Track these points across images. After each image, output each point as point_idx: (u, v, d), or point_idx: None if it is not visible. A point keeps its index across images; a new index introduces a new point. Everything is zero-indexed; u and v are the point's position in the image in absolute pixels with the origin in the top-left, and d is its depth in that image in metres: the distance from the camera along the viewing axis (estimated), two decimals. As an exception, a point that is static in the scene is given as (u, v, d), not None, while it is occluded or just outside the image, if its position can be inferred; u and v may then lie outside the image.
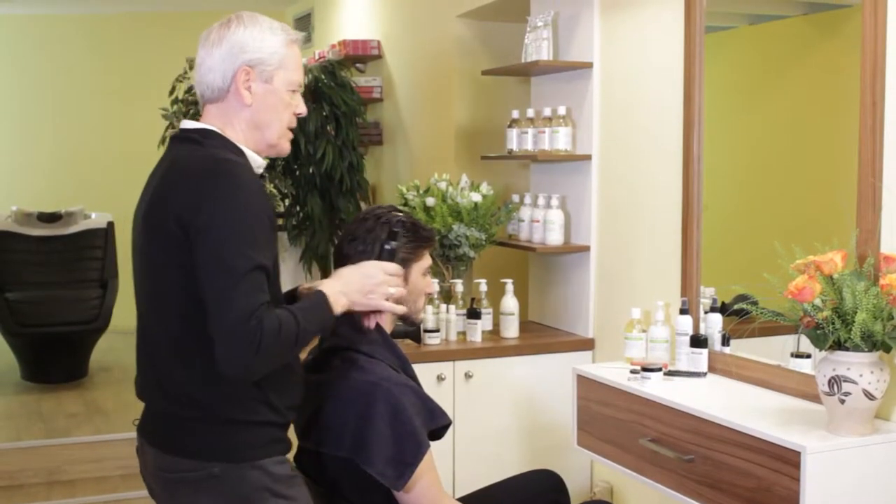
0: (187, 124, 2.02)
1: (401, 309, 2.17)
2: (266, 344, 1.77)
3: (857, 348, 2.19)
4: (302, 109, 2.07)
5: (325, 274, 5.47)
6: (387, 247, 2.18)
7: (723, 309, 2.93)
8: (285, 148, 2.07)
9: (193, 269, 1.82)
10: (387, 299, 2.08)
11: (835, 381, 2.22)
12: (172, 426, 1.94)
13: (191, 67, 5.05)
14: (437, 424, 2.21)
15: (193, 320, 1.84)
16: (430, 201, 3.77)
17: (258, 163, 2.01)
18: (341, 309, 1.99)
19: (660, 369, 2.79)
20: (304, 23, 7.40)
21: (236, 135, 1.99)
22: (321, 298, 1.95)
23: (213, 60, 1.97)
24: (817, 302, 2.21)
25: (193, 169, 1.89)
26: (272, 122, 2.01)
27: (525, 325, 3.86)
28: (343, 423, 2.13)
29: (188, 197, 1.84)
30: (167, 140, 2.10)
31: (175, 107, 5.10)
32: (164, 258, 1.88)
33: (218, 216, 1.81)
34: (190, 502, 1.92)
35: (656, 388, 2.72)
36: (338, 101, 5.25)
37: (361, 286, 2.05)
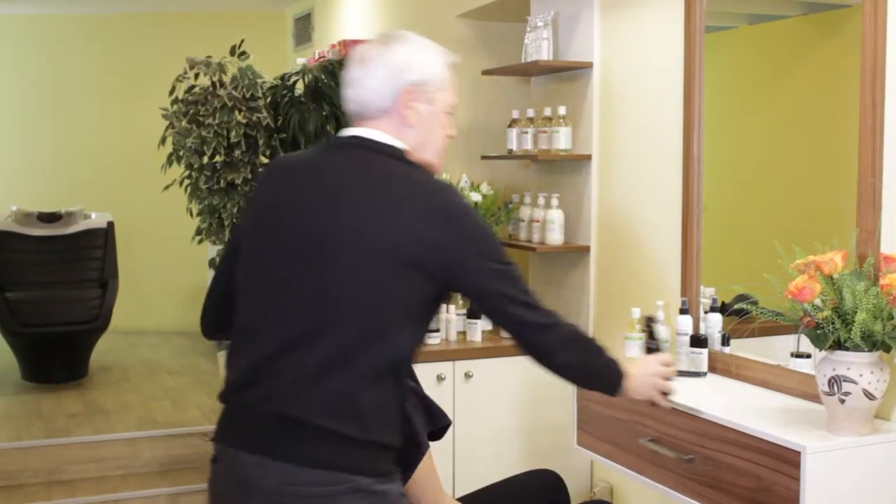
0: (371, 133, 1.98)
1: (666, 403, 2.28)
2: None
3: (857, 348, 2.19)
4: (453, 132, 2.09)
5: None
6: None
7: (723, 309, 2.94)
8: (438, 169, 2.09)
9: (470, 293, 1.96)
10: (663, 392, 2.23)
11: (835, 381, 2.22)
12: (323, 440, 1.85)
13: (191, 67, 5.06)
14: (437, 425, 2.21)
15: (398, 344, 1.88)
16: (430, 201, 3.76)
17: None
18: (624, 393, 2.15)
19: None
20: (304, 22, 7.40)
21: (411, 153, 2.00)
22: (619, 373, 2.13)
23: (374, 79, 1.96)
24: (817, 302, 2.21)
25: (438, 199, 1.92)
26: (431, 143, 2.03)
27: (525, 325, 3.85)
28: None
29: (437, 228, 1.87)
30: (332, 141, 2.05)
31: (175, 107, 5.09)
32: (394, 280, 1.86)
33: (483, 248, 1.92)
34: None
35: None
36: (338, 100, 5.24)
37: (642, 381, 2.18)
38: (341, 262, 1.86)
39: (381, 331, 1.86)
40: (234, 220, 4.99)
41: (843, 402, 2.22)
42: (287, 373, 1.86)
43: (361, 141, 1.97)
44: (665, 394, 2.22)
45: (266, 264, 1.93)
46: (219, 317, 2.09)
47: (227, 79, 5.04)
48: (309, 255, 1.88)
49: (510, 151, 3.83)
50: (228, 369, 1.98)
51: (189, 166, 5.01)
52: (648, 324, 2.86)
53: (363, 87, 1.97)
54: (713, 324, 2.94)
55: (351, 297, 1.85)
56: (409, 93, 1.96)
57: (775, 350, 2.70)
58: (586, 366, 2.10)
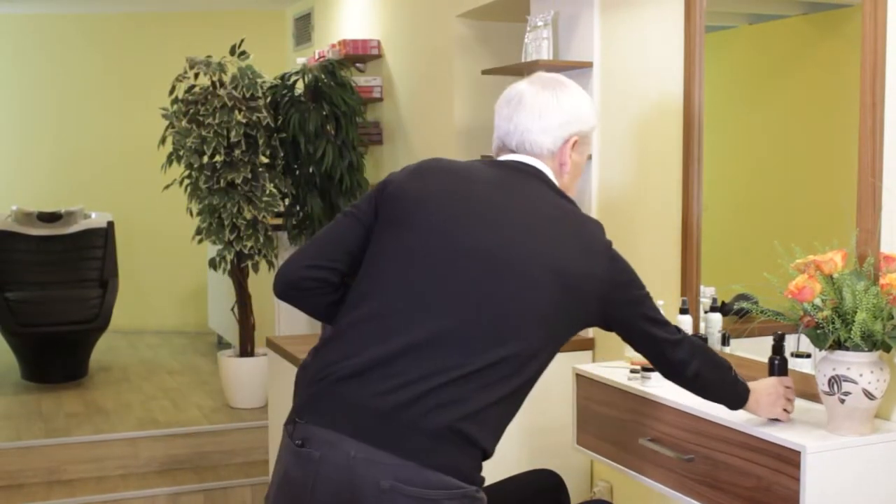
0: (542, 166, 2.09)
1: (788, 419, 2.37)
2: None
3: (857, 348, 2.19)
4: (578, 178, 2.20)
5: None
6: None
7: (723, 308, 2.93)
8: None
9: (624, 331, 2.11)
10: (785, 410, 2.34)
11: (835, 381, 2.22)
12: (447, 444, 1.86)
13: (191, 67, 5.06)
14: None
15: (539, 367, 2.02)
16: (430, 201, 3.76)
17: None
18: (748, 407, 2.31)
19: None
20: (304, 22, 7.41)
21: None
22: (745, 389, 2.29)
23: (550, 121, 2.06)
24: (817, 301, 2.21)
25: (602, 237, 2.09)
26: (572, 188, 2.14)
27: (525, 325, 3.85)
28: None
29: (607, 268, 2.02)
30: (496, 161, 2.21)
31: (175, 106, 5.09)
32: (558, 309, 1.95)
33: (634, 280, 2.10)
34: None
35: (656, 387, 2.72)
36: (338, 100, 5.25)
37: (769, 399, 2.32)
38: (510, 277, 1.90)
39: (529, 354, 1.94)
40: (234, 220, 4.99)
41: (843, 401, 2.22)
42: (432, 370, 1.85)
43: (530, 168, 2.08)
44: (786, 411, 2.35)
45: (423, 261, 1.93)
46: (324, 285, 2.04)
47: (227, 78, 5.05)
48: (476, 263, 1.91)
49: (510, 151, 3.83)
50: (343, 350, 1.93)
51: (189, 166, 5.01)
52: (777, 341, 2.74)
53: (538, 126, 2.07)
54: (713, 323, 2.94)
55: (511, 315, 1.90)
56: (574, 142, 2.08)
57: (775, 350, 2.69)
58: (717, 379, 2.24)
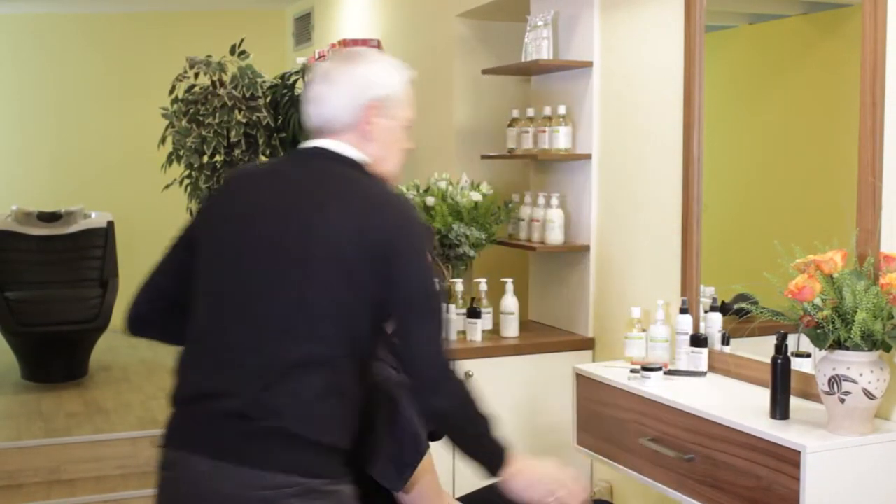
0: (336, 146, 2.01)
1: None
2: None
3: (857, 348, 2.19)
4: (411, 146, 2.13)
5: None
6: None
7: (723, 308, 2.94)
8: (396, 181, 2.14)
9: (385, 301, 1.89)
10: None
11: (835, 381, 2.22)
12: (278, 444, 1.86)
13: (191, 66, 5.06)
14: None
15: (360, 350, 1.91)
16: (430, 200, 3.77)
17: None
18: (506, 471, 2.08)
19: (660, 369, 2.79)
20: (304, 22, 7.41)
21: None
22: (504, 448, 2.08)
23: (339, 96, 2.01)
24: (817, 301, 2.21)
25: (393, 204, 1.95)
26: (389, 157, 2.07)
27: (525, 325, 3.86)
28: (343, 423, 2.12)
29: (393, 234, 1.90)
30: (295, 152, 2.12)
31: (175, 106, 5.10)
32: (358, 289, 1.88)
33: (420, 258, 1.93)
34: None
35: (656, 387, 2.72)
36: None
37: (528, 478, 2.10)
38: (310, 270, 1.87)
39: (343, 337, 1.88)
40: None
41: (843, 401, 2.22)
42: (250, 377, 1.87)
43: (325, 152, 2.00)
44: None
45: (231, 271, 1.93)
46: (154, 315, 2.08)
47: (227, 78, 5.05)
48: (277, 263, 1.89)
49: (510, 151, 3.83)
50: (184, 373, 1.97)
51: (189, 166, 5.01)
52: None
53: (327, 103, 2.01)
54: (713, 323, 2.94)
55: (315, 304, 1.87)
56: (372, 108, 2.01)
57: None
58: (467, 422, 2.08)
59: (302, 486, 1.85)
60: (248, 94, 5.00)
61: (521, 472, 2.06)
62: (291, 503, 1.84)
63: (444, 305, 2.00)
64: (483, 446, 2.06)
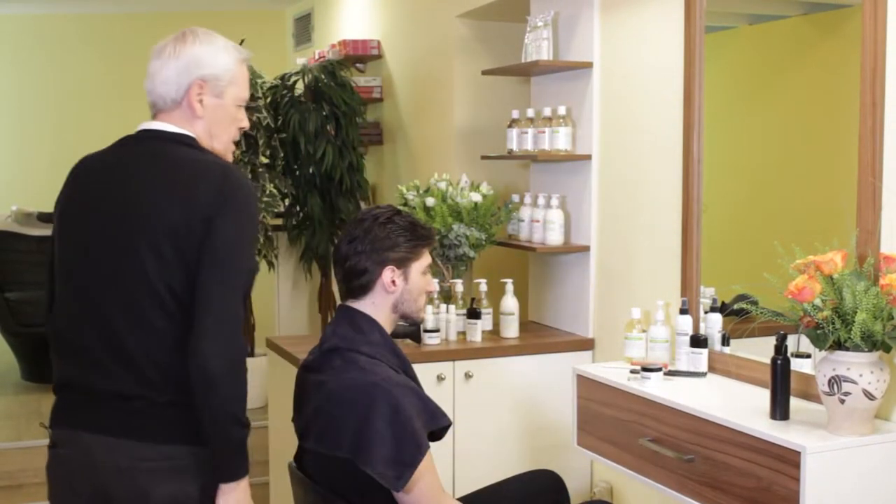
0: (161, 126, 2.11)
1: None
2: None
3: (857, 348, 2.19)
4: (245, 124, 2.21)
5: (325, 273, 5.47)
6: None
7: (723, 309, 2.93)
8: (227, 158, 2.19)
9: (196, 266, 1.95)
10: None
11: (835, 381, 2.22)
12: (149, 412, 1.98)
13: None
14: (437, 425, 2.21)
15: (186, 311, 1.96)
16: (430, 201, 3.76)
17: None
18: (225, 487, 1.99)
19: (660, 369, 2.79)
20: (304, 23, 7.41)
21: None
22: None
23: (167, 72, 2.10)
24: (817, 302, 2.21)
25: (211, 173, 2.02)
26: (219, 134, 2.15)
27: (525, 325, 3.86)
28: (343, 424, 2.13)
29: (213, 199, 1.96)
30: (126, 137, 2.17)
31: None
32: (164, 253, 1.96)
33: (237, 223, 1.99)
34: (177, 489, 1.98)
35: (656, 387, 2.72)
36: (338, 100, 5.25)
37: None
38: (139, 246, 1.96)
39: (183, 305, 1.96)
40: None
41: (843, 402, 2.22)
42: (108, 353, 1.99)
43: (152, 133, 2.11)
44: None
45: (75, 259, 2.05)
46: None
47: (226, 79, 5.04)
48: (112, 244, 2.00)
49: (510, 151, 3.83)
50: (56, 363, 2.09)
51: (189, 166, 5.01)
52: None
53: (158, 79, 2.11)
54: (713, 324, 2.94)
55: (143, 277, 1.96)
56: (198, 86, 2.10)
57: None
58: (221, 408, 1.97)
59: (188, 458, 1.98)
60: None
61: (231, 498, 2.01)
62: (157, 476, 1.96)
63: (250, 280, 2.05)
64: (224, 448, 2.00)
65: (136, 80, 7.23)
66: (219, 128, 2.14)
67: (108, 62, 7.83)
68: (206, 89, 2.10)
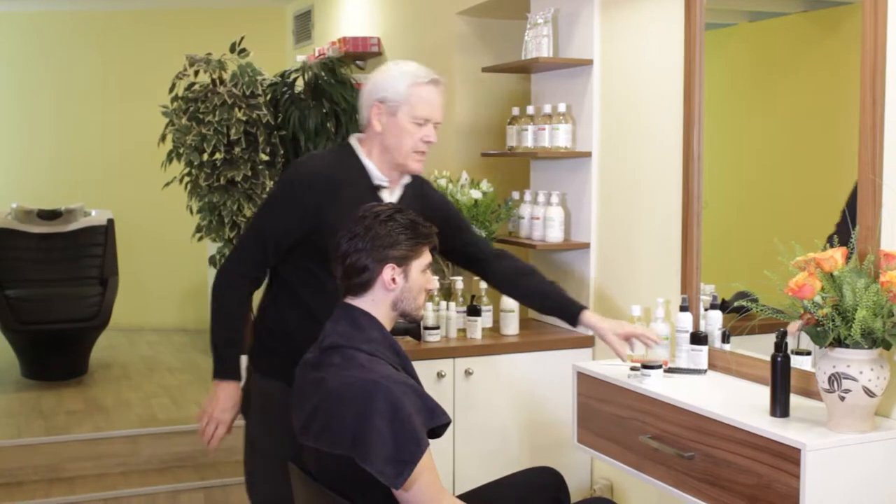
0: (351, 139, 2.72)
1: None
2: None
3: (857, 345, 2.19)
4: (428, 138, 2.63)
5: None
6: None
7: (723, 306, 2.93)
8: (413, 168, 2.66)
9: None
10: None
11: (835, 378, 2.22)
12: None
13: (191, 64, 5.06)
14: (437, 423, 2.21)
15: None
16: (430, 198, 3.76)
17: (376, 176, 2.65)
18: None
19: (660, 366, 2.79)
20: (304, 20, 7.40)
21: (367, 150, 2.66)
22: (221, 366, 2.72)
23: (361, 98, 2.68)
24: (817, 299, 2.21)
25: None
26: (398, 147, 2.62)
27: (525, 323, 3.86)
28: (342, 421, 2.13)
29: None
30: None
31: (175, 104, 5.09)
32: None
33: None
34: None
35: (656, 385, 2.72)
36: (338, 98, 5.25)
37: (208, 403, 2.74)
38: None
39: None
40: (234, 218, 5.00)
41: (843, 399, 2.22)
42: None
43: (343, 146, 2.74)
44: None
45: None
46: None
47: (227, 76, 5.05)
48: None
49: (510, 148, 3.83)
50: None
51: (189, 164, 5.01)
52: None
53: (359, 102, 2.70)
54: (713, 321, 2.94)
55: None
56: (375, 107, 2.62)
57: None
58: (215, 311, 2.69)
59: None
60: (248, 92, 4.99)
61: (215, 394, 2.69)
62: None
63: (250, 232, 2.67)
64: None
65: (134, 77, 7.22)
66: (396, 141, 2.64)
67: (107, 60, 7.83)
68: (381, 109, 2.64)
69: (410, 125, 2.59)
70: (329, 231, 2.50)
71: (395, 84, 2.59)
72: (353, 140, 2.68)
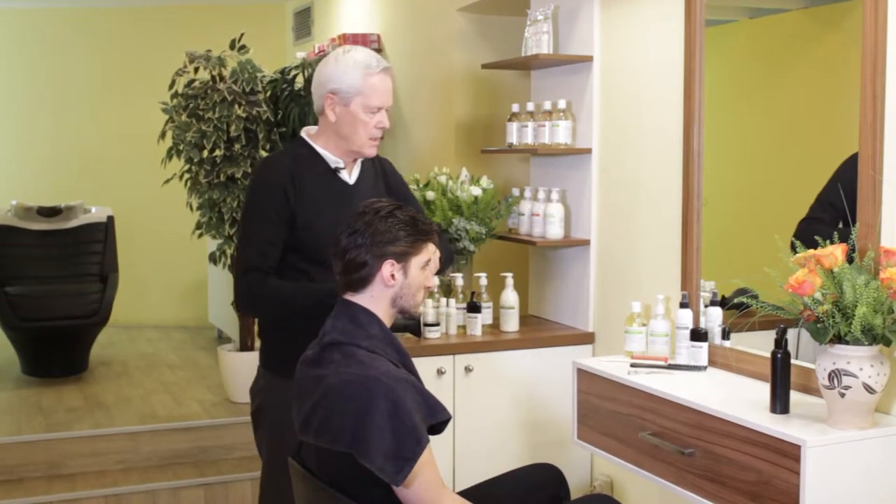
0: (304, 131, 2.78)
1: None
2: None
3: (857, 342, 2.19)
4: (381, 125, 2.69)
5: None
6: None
7: (723, 303, 2.93)
8: (368, 153, 2.74)
9: None
10: None
11: (835, 375, 2.22)
12: None
13: (191, 61, 5.05)
14: (437, 419, 2.21)
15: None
16: (431, 195, 3.76)
17: (332, 160, 2.72)
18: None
19: (661, 364, 2.78)
20: (303, 17, 7.40)
21: (323, 140, 2.72)
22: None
23: (313, 85, 2.71)
24: (817, 296, 2.21)
25: None
26: (353, 136, 2.68)
27: (525, 319, 3.86)
28: (342, 418, 2.13)
29: None
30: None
31: (175, 101, 5.08)
32: None
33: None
34: None
35: (656, 381, 2.72)
36: (338, 95, 5.24)
37: None
38: None
39: None
40: (234, 215, 5.00)
41: (843, 395, 2.22)
42: None
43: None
44: None
45: None
46: None
47: (226, 73, 5.04)
48: None
49: (510, 145, 3.83)
50: None
51: (189, 160, 5.01)
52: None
53: (312, 93, 2.73)
54: (713, 318, 2.94)
55: None
56: (328, 98, 2.66)
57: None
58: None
59: None
60: (247, 89, 4.99)
61: None
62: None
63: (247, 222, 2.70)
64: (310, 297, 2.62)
65: (134, 74, 7.21)
66: (350, 129, 2.69)
67: (107, 56, 7.83)
68: (334, 100, 2.67)
69: (364, 115, 2.65)
70: (303, 224, 2.65)
71: (347, 75, 2.63)
72: (304, 132, 2.75)
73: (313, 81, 2.70)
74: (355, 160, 2.78)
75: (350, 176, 2.77)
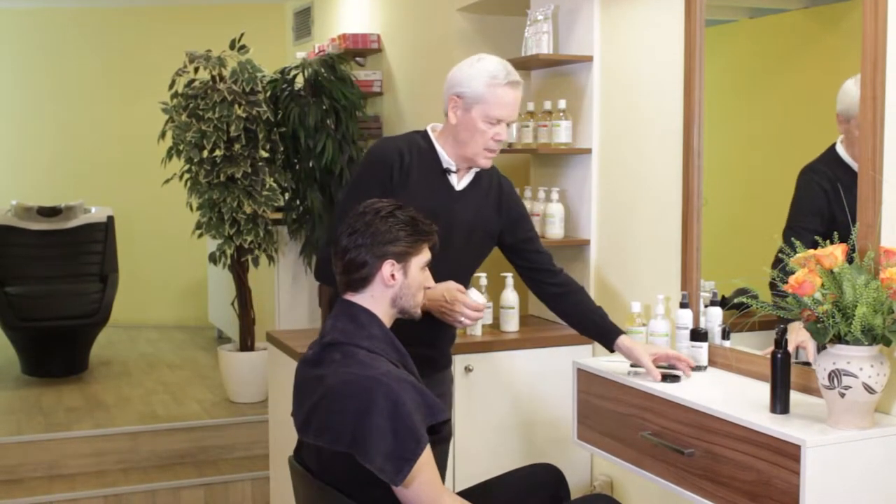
0: (429, 126, 2.78)
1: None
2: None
3: (857, 342, 2.19)
4: (499, 136, 2.65)
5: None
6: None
7: (723, 303, 2.93)
8: (481, 164, 2.70)
9: None
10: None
11: (835, 375, 2.22)
12: None
13: (191, 61, 5.06)
14: (436, 420, 2.21)
15: None
16: (430, 195, 3.76)
17: (446, 160, 2.70)
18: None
19: (678, 377, 2.75)
20: (303, 16, 7.40)
21: (442, 140, 2.71)
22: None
23: (444, 87, 2.70)
24: (817, 296, 2.21)
25: None
26: (468, 142, 2.66)
27: (525, 319, 3.86)
28: (342, 418, 2.13)
29: None
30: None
31: (175, 101, 5.09)
32: None
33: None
34: None
35: (657, 382, 2.72)
36: (337, 94, 5.25)
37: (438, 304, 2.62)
38: None
39: None
40: (234, 215, 5.00)
41: (843, 395, 2.22)
42: None
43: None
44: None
45: None
46: None
47: (226, 73, 5.04)
48: None
49: (510, 145, 3.83)
50: None
51: (189, 160, 5.01)
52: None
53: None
54: (713, 318, 2.94)
55: None
56: (452, 100, 2.66)
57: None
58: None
59: None
60: (247, 89, 4.99)
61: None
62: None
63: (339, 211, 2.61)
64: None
65: (134, 74, 7.22)
66: (467, 136, 2.66)
67: (107, 56, 7.83)
68: (457, 104, 2.66)
69: (483, 124, 2.62)
70: None
71: (473, 81, 2.62)
72: (429, 127, 2.75)
73: (445, 81, 2.70)
74: (469, 168, 2.74)
75: (459, 182, 2.73)
